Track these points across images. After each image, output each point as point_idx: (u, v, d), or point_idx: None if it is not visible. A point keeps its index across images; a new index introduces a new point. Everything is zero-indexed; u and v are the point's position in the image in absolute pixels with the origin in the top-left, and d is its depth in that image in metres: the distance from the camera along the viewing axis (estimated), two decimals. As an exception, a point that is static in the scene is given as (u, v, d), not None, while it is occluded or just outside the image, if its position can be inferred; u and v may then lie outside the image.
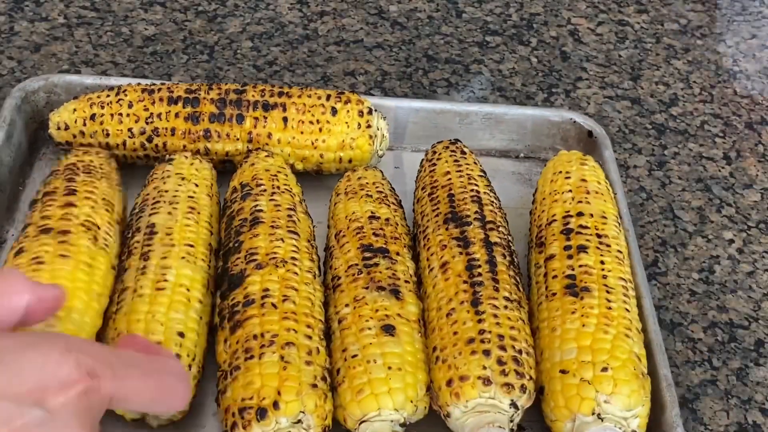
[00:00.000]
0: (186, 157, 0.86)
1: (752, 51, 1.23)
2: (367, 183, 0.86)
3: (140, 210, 0.80)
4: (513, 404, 0.68)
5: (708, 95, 1.15)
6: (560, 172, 0.87)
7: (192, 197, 0.81)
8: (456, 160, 0.88)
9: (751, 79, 1.18)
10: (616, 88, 1.15)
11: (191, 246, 0.77)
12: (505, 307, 0.73)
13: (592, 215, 0.82)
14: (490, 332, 0.70)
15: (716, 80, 1.17)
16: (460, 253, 0.77)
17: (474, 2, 1.28)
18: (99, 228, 0.76)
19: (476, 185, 0.85)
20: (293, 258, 0.76)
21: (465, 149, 0.90)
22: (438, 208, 0.82)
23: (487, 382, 0.68)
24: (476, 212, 0.81)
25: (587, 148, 0.97)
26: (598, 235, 0.80)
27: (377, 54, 1.16)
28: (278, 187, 0.83)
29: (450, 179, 0.85)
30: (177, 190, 0.81)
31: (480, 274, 0.75)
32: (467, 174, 0.86)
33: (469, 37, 1.21)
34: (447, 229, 0.80)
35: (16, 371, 0.46)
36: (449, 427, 0.70)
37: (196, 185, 0.83)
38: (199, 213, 0.80)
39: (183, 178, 0.83)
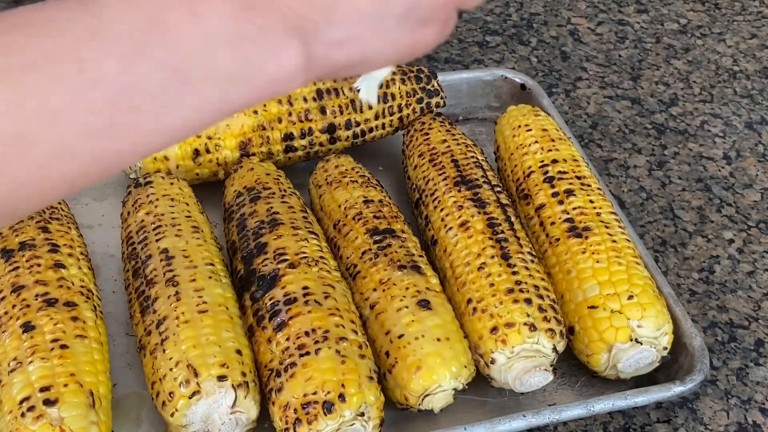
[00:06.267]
0: (163, 178, 0.84)
1: (752, 51, 1.23)
2: (346, 170, 0.87)
3: (142, 237, 0.78)
4: (554, 349, 0.72)
5: (708, 95, 1.15)
6: (519, 126, 0.91)
7: (189, 216, 0.80)
8: (448, 130, 0.92)
9: (751, 79, 1.18)
10: (616, 88, 1.15)
11: (212, 265, 0.76)
12: (531, 260, 0.77)
13: (565, 160, 0.86)
14: (525, 283, 0.74)
15: (716, 80, 1.17)
16: (479, 213, 0.80)
17: (474, 2, 1.28)
18: (93, 294, 0.74)
19: (474, 152, 0.89)
20: (321, 257, 0.76)
21: (451, 121, 0.95)
22: (444, 172, 0.85)
23: (532, 328, 0.71)
24: (482, 176, 0.85)
25: (522, 101, 1.01)
26: (578, 177, 0.85)
27: (377, 54, 1.16)
28: (285, 190, 0.84)
29: (449, 146, 0.88)
30: (173, 212, 0.80)
31: (502, 232, 0.79)
32: (463, 143, 0.90)
33: (469, 37, 1.21)
34: (459, 191, 0.83)
35: None
36: (490, 375, 0.73)
37: (187, 204, 0.82)
38: (202, 231, 0.79)
39: (172, 199, 0.82)
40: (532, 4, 1.28)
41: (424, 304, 0.73)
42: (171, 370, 0.67)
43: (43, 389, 0.64)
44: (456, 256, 0.79)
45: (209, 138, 0.89)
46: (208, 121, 0.45)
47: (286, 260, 0.75)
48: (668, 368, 0.77)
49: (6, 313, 0.70)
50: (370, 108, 0.92)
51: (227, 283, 0.76)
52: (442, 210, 0.83)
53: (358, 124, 0.93)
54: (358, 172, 0.88)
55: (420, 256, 0.79)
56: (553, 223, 0.81)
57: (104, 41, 0.40)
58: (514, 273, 0.75)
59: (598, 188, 0.85)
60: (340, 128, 0.93)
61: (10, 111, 0.38)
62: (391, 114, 0.95)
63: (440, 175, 0.86)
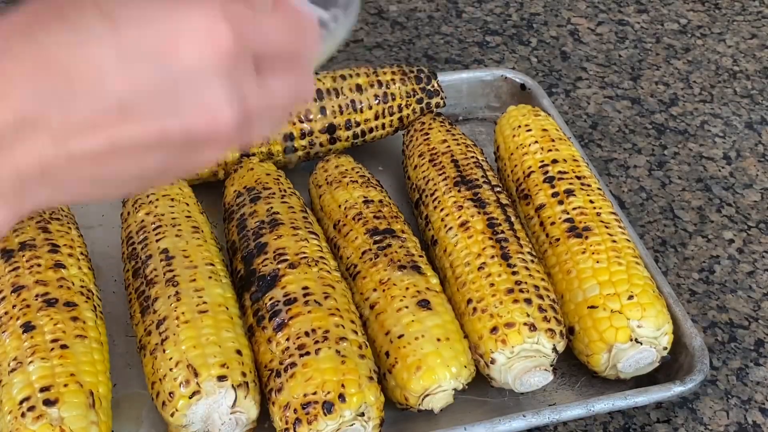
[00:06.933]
0: None
1: (752, 51, 1.23)
2: (346, 170, 0.88)
3: (142, 237, 0.78)
4: (554, 349, 0.72)
5: (708, 95, 1.15)
6: (519, 126, 0.91)
7: (189, 216, 0.80)
8: (448, 130, 0.92)
9: (751, 79, 1.18)
10: (616, 88, 1.15)
11: (212, 265, 0.76)
12: (531, 261, 0.77)
13: (565, 160, 0.86)
14: (525, 283, 0.74)
15: (716, 80, 1.17)
16: (479, 213, 0.80)
17: (474, 2, 1.28)
18: (93, 294, 0.74)
19: (474, 152, 0.89)
20: (321, 257, 0.76)
21: (451, 121, 0.95)
22: (444, 172, 0.85)
23: (532, 328, 0.71)
24: (482, 176, 0.85)
25: (522, 101, 1.01)
26: (578, 177, 0.85)
27: (377, 54, 1.16)
28: (285, 191, 0.84)
29: (449, 146, 0.89)
30: (173, 212, 0.80)
31: (503, 232, 0.79)
32: (463, 143, 0.90)
33: (469, 37, 1.21)
34: (459, 191, 0.83)
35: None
36: (490, 375, 0.73)
37: (187, 204, 0.82)
38: (202, 231, 0.79)
39: (172, 199, 0.82)
40: (532, 4, 1.28)
41: (424, 304, 0.73)
42: (171, 370, 0.67)
43: (43, 389, 0.64)
44: (456, 256, 0.79)
45: None
46: None
47: (286, 260, 0.75)
48: (668, 368, 0.77)
49: (6, 313, 0.70)
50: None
51: (227, 283, 0.76)
52: (442, 210, 0.83)
53: (358, 124, 0.93)
54: (358, 172, 0.88)
55: (420, 256, 0.79)
56: (553, 223, 0.81)
57: None
58: (514, 273, 0.75)
59: (598, 188, 0.85)
60: (340, 128, 0.93)
61: None
62: (391, 114, 0.95)
63: (440, 175, 0.86)
